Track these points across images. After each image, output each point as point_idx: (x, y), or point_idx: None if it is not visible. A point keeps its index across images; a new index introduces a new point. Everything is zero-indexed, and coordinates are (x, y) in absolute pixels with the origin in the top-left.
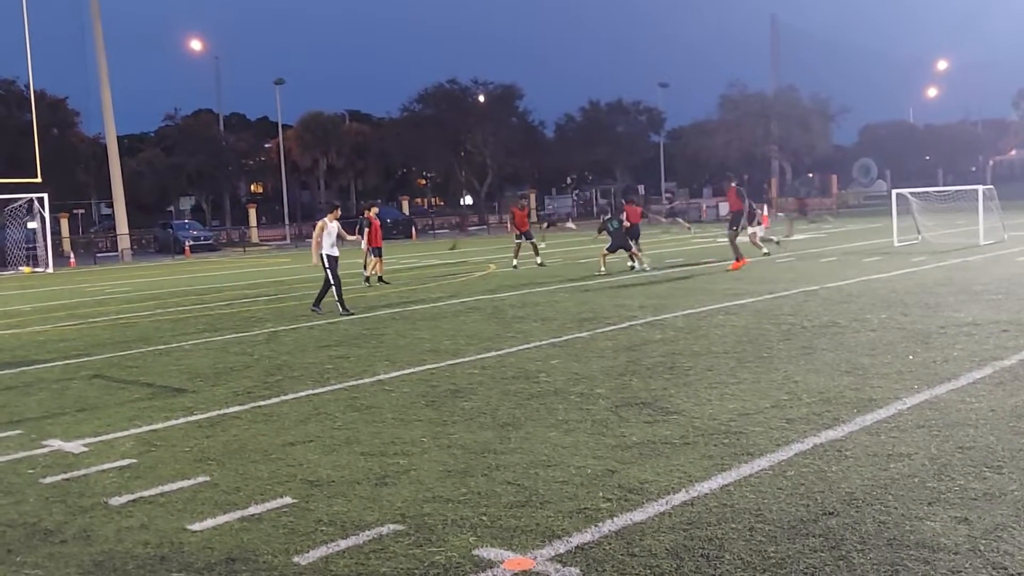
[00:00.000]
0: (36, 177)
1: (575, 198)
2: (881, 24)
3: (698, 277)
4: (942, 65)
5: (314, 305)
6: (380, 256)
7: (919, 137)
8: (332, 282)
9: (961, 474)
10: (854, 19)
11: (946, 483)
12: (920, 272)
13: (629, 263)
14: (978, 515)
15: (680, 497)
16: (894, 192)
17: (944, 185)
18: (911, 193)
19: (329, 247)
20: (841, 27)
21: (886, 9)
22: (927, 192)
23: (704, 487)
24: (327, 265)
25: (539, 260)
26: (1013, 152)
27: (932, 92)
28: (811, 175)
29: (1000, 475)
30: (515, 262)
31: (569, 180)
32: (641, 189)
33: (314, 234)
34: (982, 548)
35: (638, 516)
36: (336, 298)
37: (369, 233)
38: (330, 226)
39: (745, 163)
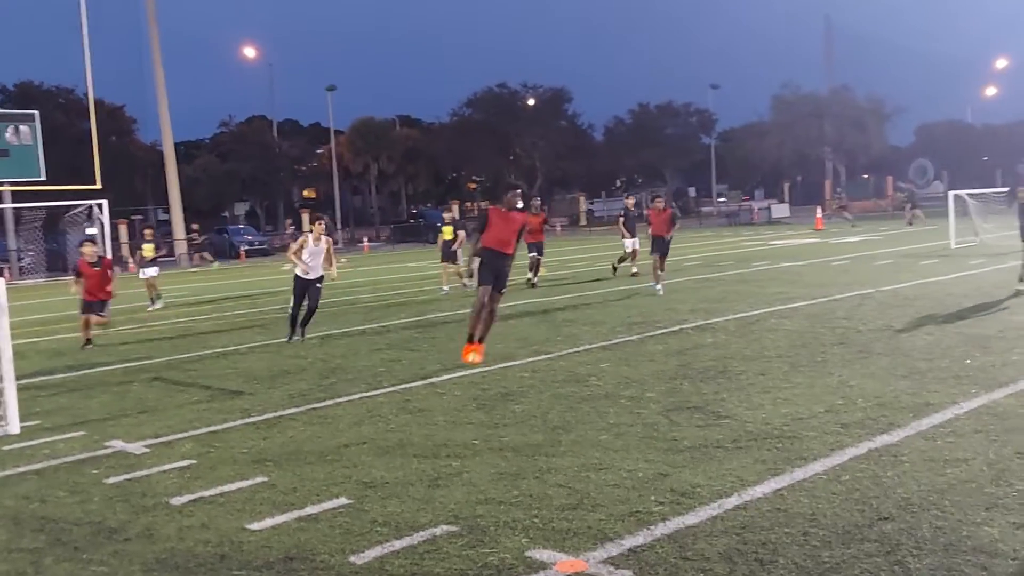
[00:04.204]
0: (95, 184)
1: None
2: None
3: (749, 281)
4: (1001, 64)
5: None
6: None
7: (977, 137)
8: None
9: (1019, 479)
10: (907, 19)
11: (1004, 488)
12: (978, 275)
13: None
14: None
15: (733, 501)
16: (951, 193)
17: (1002, 186)
18: (969, 194)
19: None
20: (894, 27)
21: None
22: (985, 193)
23: (757, 491)
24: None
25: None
26: None
27: (990, 91)
28: (866, 176)
29: None
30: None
31: (618, 183)
32: (692, 191)
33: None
34: None
35: (690, 520)
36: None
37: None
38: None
39: (799, 164)
